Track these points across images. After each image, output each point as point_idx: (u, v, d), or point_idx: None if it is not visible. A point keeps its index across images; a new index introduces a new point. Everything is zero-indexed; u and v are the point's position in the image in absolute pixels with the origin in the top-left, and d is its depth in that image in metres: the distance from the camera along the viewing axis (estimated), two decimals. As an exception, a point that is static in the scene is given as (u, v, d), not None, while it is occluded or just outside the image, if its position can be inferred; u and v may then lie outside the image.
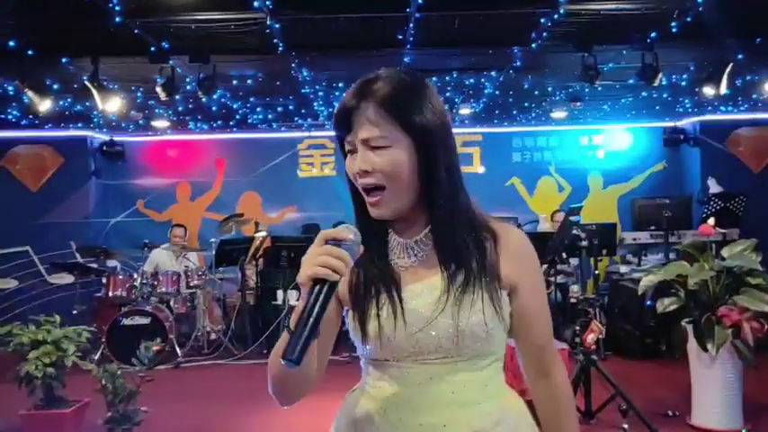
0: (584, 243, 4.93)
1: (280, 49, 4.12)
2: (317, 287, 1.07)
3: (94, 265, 7.51)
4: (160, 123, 7.65)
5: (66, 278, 7.63)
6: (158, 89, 4.37)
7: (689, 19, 3.76)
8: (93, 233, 8.42)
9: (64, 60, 4.17)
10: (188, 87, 5.24)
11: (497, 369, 1.28)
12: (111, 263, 7.82)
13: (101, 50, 4.15)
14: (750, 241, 4.69)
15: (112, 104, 4.42)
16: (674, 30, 3.93)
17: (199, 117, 7.27)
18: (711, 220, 4.67)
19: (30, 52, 3.94)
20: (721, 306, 4.42)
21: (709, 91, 4.72)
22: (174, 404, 5.25)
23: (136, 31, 3.70)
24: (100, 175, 8.58)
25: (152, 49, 4.04)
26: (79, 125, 7.41)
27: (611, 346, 6.49)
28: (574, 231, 4.89)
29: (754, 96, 6.37)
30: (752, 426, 4.41)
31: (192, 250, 7.74)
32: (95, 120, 6.93)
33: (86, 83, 4.16)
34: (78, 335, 4.63)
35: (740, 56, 4.45)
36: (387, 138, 1.18)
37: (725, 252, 4.63)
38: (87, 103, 5.57)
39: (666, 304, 4.57)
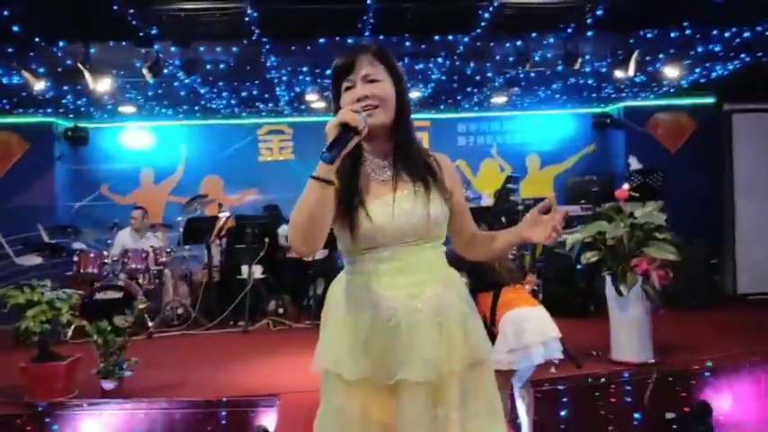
0: (521, 207, 5.63)
1: (254, 36, 4.66)
2: (343, 130, 1.65)
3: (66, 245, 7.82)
4: (127, 109, 8.01)
5: (34, 260, 7.88)
6: (145, 71, 4.83)
7: (599, 12, 4.52)
8: (60, 216, 8.69)
9: (59, 44, 4.58)
10: (164, 72, 5.67)
11: (444, 250, 1.93)
12: (78, 244, 8.11)
13: (88, 35, 4.58)
14: (657, 203, 5.50)
15: (103, 85, 4.86)
16: (588, 21, 4.68)
17: (165, 103, 7.67)
18: (626, 186, 5.44)
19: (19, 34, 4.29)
20: (634, 258, 5.22)
21: (619, 74, 5.52)
22: (151, 365, 5.57)
23: (129, 18, 4.17)
24: (65, 160, 8.87)
25: (141, 34, 4.51)
26: (49, 110, 7.70)
27: (548, 307, 7.21)
28: (512, 197, 5.59)
29: (665, 83, 7.25)
30: (660, 358, 5.15)
31: (150, 230, 8.00)
32: (67, 105, 7.24)
33: (79, 65, 4.59)
34: (69, 296, 5.07)
35: (643, 46, 5.25)
36: (379, 75, 1.80)
37: (637, 212, 5.41)
38: (65, 88, 5.94)
39: (589, 257, 5.31)
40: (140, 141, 9.37)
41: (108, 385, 4.77)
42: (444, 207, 1.88)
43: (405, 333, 1.78)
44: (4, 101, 6.93)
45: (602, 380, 4.92)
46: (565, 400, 4.84)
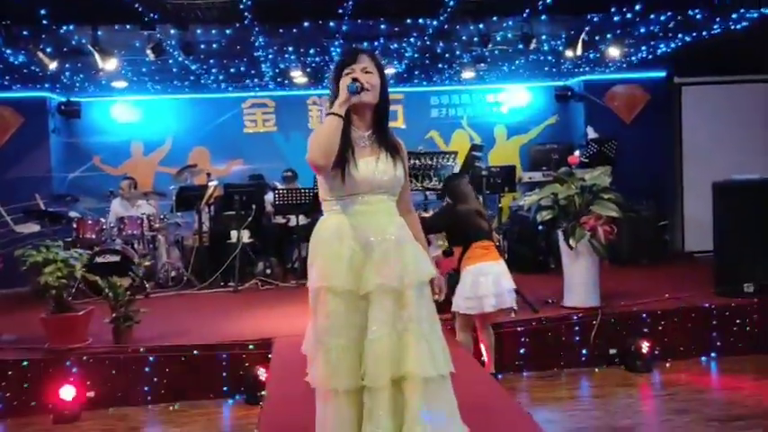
0: (485, 173, 6.28)
1: (246, 20, 5.20)
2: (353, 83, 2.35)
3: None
4: (118, 84, 8.47)
5: (33, 227, 8.33)
6: (148, 51, 5.36)
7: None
8: (55, 186, 9.17)
9: (69, 27, 5.07)
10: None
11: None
12: (74, 213, 8.58)
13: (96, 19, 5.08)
14: (605, 168, 6.20)
15: (110, 65, 5.38)
16: (540, 7, 5.31)
17: (157, 78, 8.15)
18: (577, 152, 6.12)
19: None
20: (583, 216, 5.92)
21: (569, 54, 6.17)
22: (153, 319, 5.83)
23: (137, 5, 4.70)
24: (59, 133, 9.32)
25: (145, 18, 5.03)
26: (47, 85, 8.14)
27: (512, 265, 7.89)
28: (477, 164, 6.24)
29: (617, 59, 7.93)
30: (605, 303, 5.90)
31: (143, 198, 8.50)
32: (63, 81, 7.68)
33: (89, 46, 5.11)
34: (81, 255, 5.65)
35: (591, 27, 5.89)
36: (372, 70, 2.47)
37: (586, 176, 6.12)
38: (66, 66, 6.41)
39: (544, 215, 6.04)
40: (131, 115, 9.85)
41: (118, 333, 5.38)
42: (405, 172, 2.56)
43: (377, 255, 2.45)
44: (7, 77, 7.37)
45: (555, 322, 5.67)
46: (523, 339, 5.59)
